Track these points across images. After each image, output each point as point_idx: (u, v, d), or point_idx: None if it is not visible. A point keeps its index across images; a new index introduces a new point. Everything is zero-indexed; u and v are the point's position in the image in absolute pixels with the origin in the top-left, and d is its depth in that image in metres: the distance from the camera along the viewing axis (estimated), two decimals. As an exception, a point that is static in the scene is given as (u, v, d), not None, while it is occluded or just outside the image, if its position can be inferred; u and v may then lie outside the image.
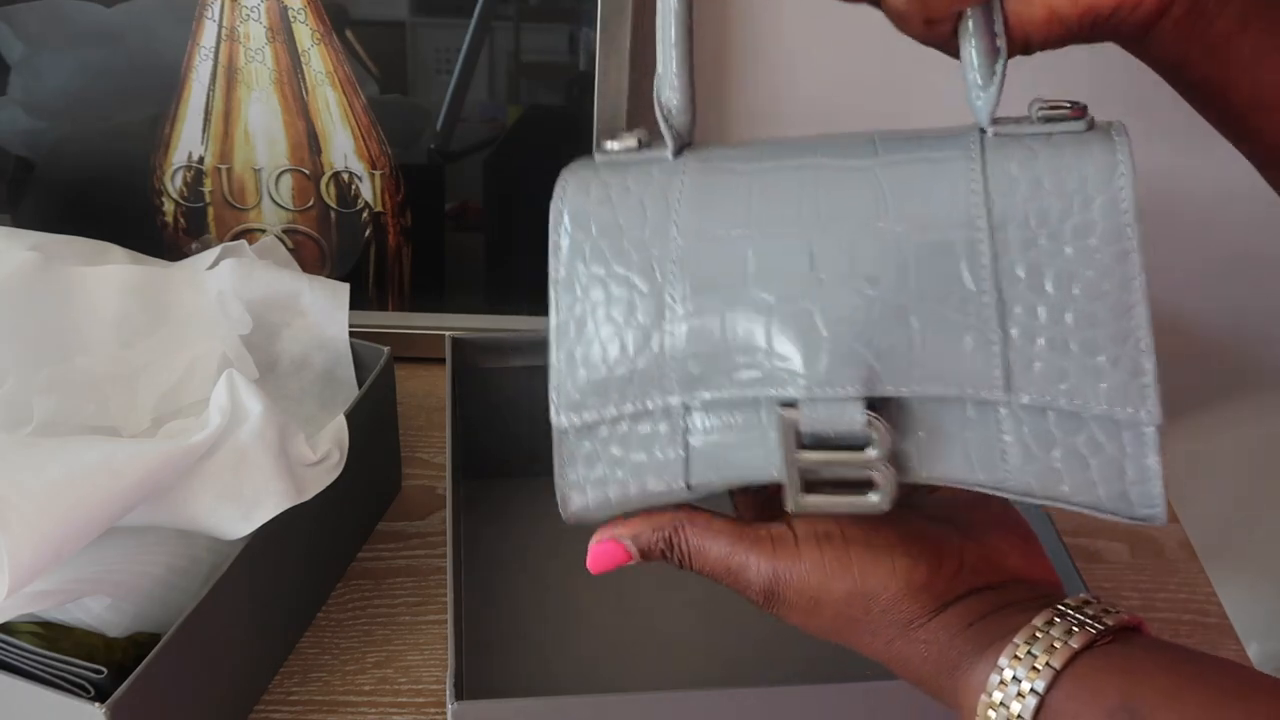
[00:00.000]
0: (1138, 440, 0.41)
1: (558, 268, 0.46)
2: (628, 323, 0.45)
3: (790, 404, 0.42)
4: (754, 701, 0.56)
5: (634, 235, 0.45)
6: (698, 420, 0.45)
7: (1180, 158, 0.86)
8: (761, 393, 0.43)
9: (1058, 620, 0.41)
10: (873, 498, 0.42)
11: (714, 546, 0.45)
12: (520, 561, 0.69)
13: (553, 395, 0.46)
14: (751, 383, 0.43)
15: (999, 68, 0.44)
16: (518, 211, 0.82)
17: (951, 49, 0.46)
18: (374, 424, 0.68)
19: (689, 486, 0.44)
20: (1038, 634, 0.40)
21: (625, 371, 0.45)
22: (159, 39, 0.75)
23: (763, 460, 0.43)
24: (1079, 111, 0.44)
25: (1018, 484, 0.42)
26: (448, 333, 0.72)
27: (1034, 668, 0.40)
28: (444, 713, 0.61)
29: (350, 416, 0.63)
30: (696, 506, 0.46)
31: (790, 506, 0.43)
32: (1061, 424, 0.41)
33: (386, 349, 0.68)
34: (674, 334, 0.44)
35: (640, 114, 0.88)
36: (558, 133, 0.79)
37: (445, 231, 0.82)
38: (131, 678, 0.50)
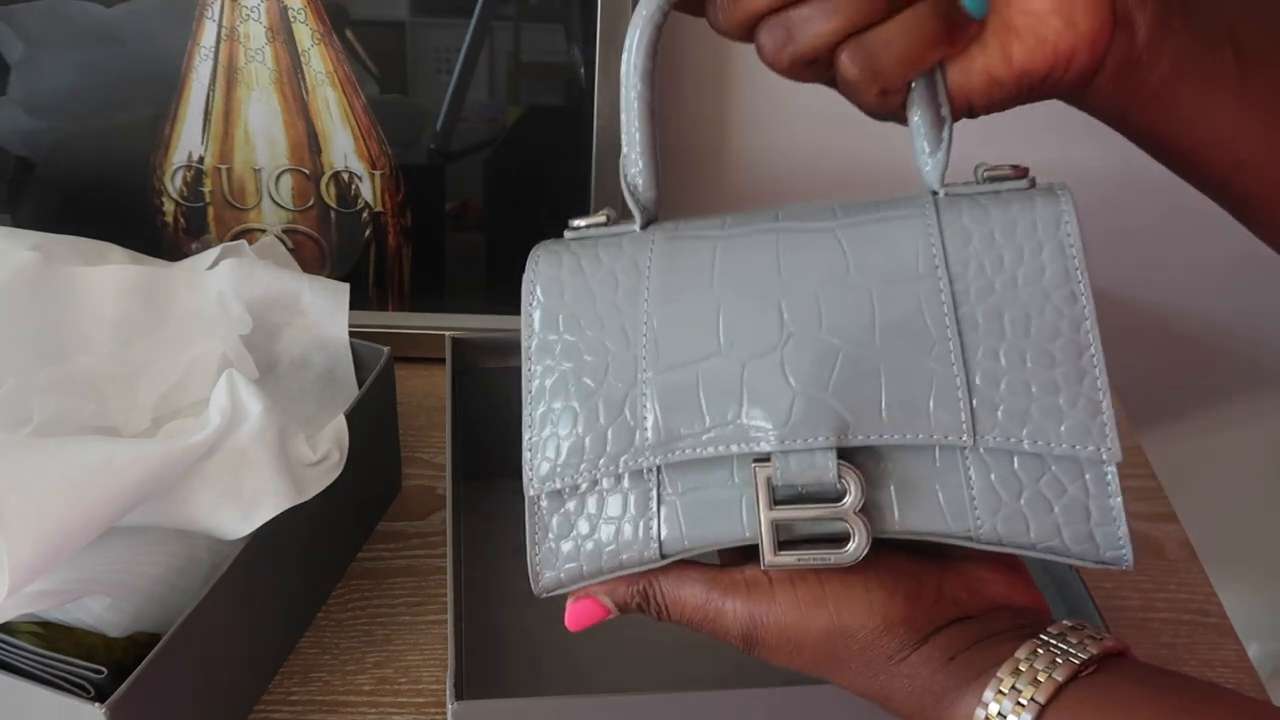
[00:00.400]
0: (1099, 481, 0.43)
1: (530, 337, 0.47)
2: (601, 387, 0.46)
3: (763, 459, 0.44)
4: (754, 702, 0.56)
5: (606, 301, 0.47)
6: (669, 485, 0.45)
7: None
8: (734, 449, 0.44)
9: (1040, 651, 0.40)
10: (848, 549, 0.43)
11: (689, 595, 0.45)
12: (520, 561, 0.69)
13: (526, 463, 0.47)
14: (724, 439, 0.44)
15: (945, 134, 0.46)
16: (518, 211, 0.82)
17: (902, 119, 0.47)
18: (374, 424, 0.68)
19: (662, 555, 0.45)
20: (1021, 667, 0.40)
21: (599, 434, 0.46)
22: (159, 39, 0.75)
23: (735, 522, 0.44)
24: (1021, 172, 0.47)
25: (987, 532, 0.43)
26: (448, 333, 0.72)
27: (1019, 702, 0.39)
28: (444, 713, 0.61)
29: (350, 416, 0.63)
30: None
31: (763, 564, 0.43)
32: (1025, 467, 0.43)
33: (386, 349, 0.68)
34: (646, 395, 0.45)
35: None
36: (558, 133, 0.79)
37: (445, 231, 0.82)
38: (131, 678, 0.50)
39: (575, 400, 0.46)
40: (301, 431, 0.59)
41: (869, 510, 0.43)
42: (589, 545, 0.46)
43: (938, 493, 0.43)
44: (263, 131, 0.78)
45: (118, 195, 0.80)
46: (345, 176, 0.80)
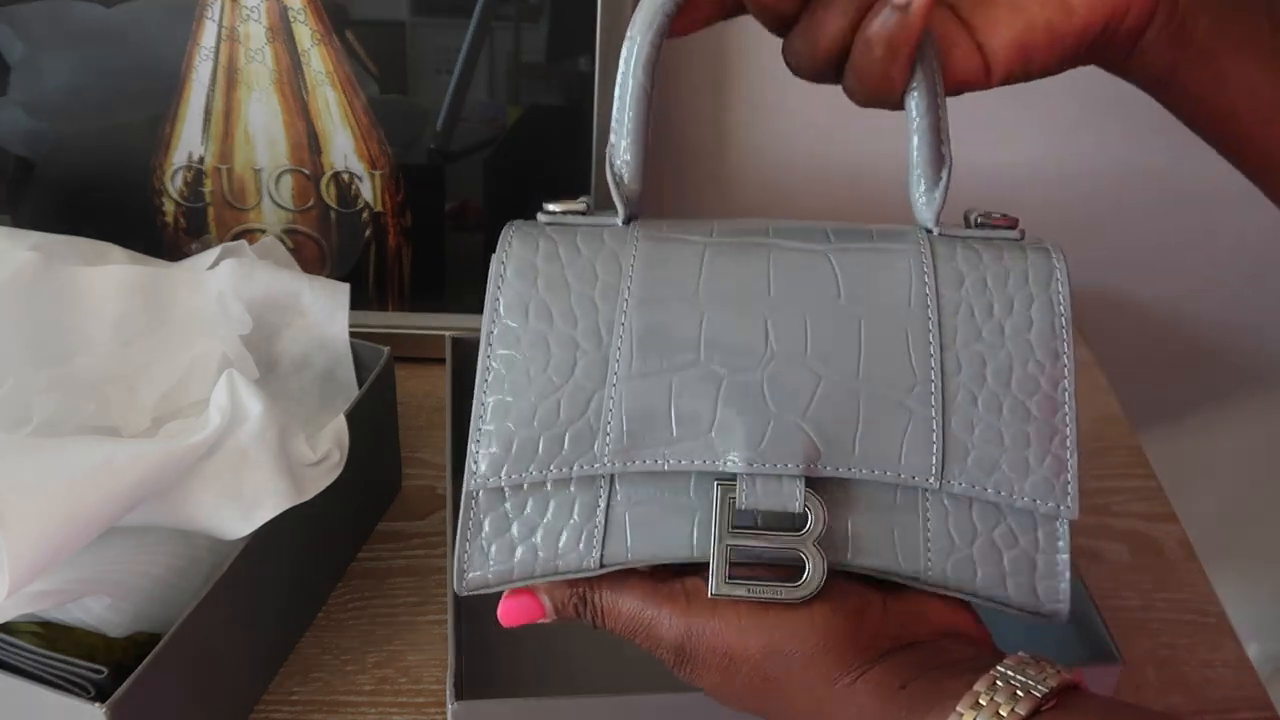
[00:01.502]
0: (1051, 536, 0.44)
1: (494, 321, 0.45)
2: (567, 384, 0.44)
3: (727, 480, 0.42)
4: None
5: (583, 295, 0.45)
6: (621, 494, 0.44)
7: (1180, 158, 0.86)
8: (699, 465, 0.43)
9: (1000, 684, 0.39)
10: (802, 583, 0.42)
11: (626, 603, 0.43)
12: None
13: (473, 450, 0.44)
14: (690, 453, 0.43)
15: (944, 174, 0.46)
16: (518, 211, 0.82)
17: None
18: (374, 424, 0.68)
19: (600, 564, 0.43)
20: (981, 700, 0.39)
21: (556, 433, 0.43)
22: (159, 39, 0.75)
23: (683, 540, 0.43)
24: (1011, 222, 0.47)
25: (935, 575, 0.43)
26: (448, 333, 0.72)
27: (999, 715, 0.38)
28: (444, 713, 0.61)
29: (350, 416, 0.63)
30: None
31: (712, 590, 0.42)
32: (982, 515, 0.43)
33: (386, 349, 0.68)
34: (615, 398, 0.43)
35: None
36: (558, 133, 0.79)
37: (445, 231, 0.82)
38: (131, 678, 0.50)
39: (535, 395, 0.44)
40: (301, 431, 0.59)
41: (826, 544, 0.42)
42: (522, 549, 0.44)
43: (894, 531, 0.43)
44: (263, 132, 0.78)
45: (118, 195, 0.80)
46: (345, 176, 0.80)
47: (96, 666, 0.51)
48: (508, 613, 0.45)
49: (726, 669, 0.42)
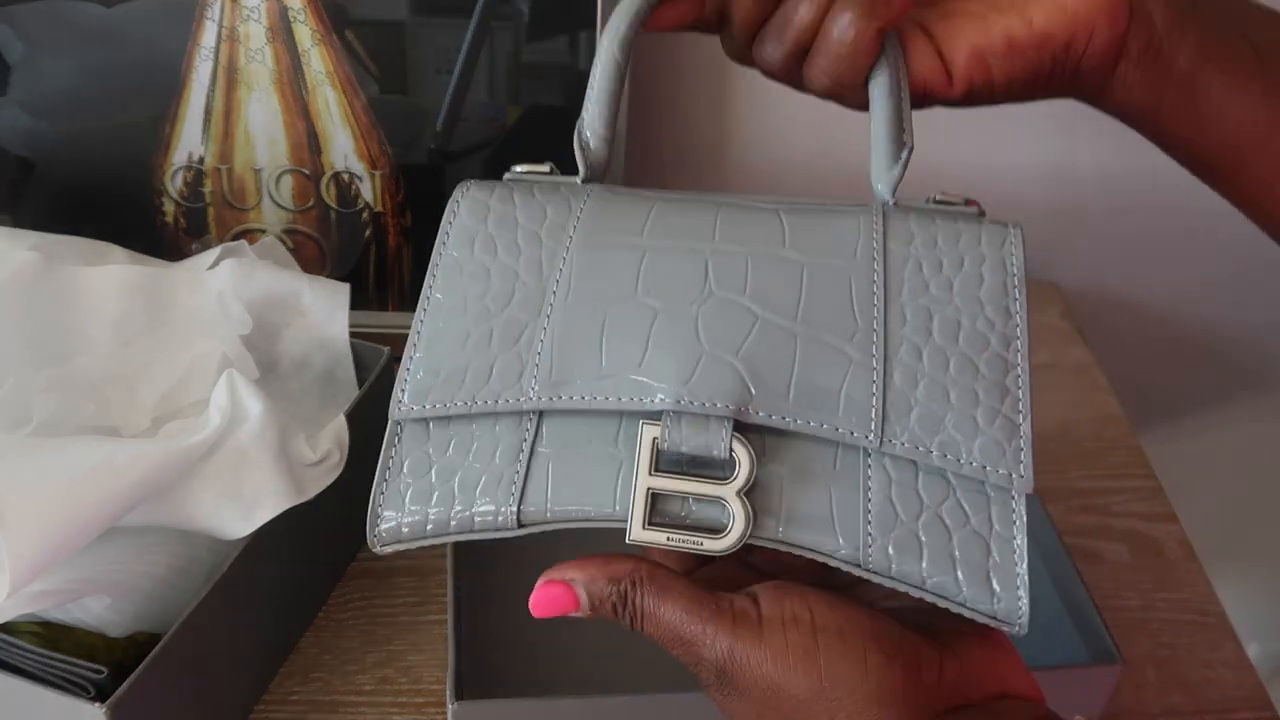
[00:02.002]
0: (1005, 515, 0.40)
1: (440, 253, 0.45)
2: (502, 313, 0.43)
3: (654, 421, 0.40)
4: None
5: (529, 230, 0.45)
6: (545, 438, 0.42)
7: (1180, 158, 0.86)
8: (626, 402, 0.41)
9: None
10: (724, 536, 0.39)
11: (668, 611, 0.40)
12: (520, 561, 0.69)
13: (401, 379, 0.43)
14: (617, 390, 0.41)
15: (904, 155, 0.47)
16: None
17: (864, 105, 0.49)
18: (374, 424, 0.68)
19: (519, 516, 0.41)
20: None
21: (485, 363, 0.42)
22: (159, 39, 0.75)
23: (607, 493, 0.40)
24: (973, 203, 0.46)
25: (878, 555, 0.39)
26: (448, 333, 0.72)
27: None
28: (444, 713, 0.61)
29: (350, 416, 0.63)
30: (656, 561, 0.41)
31: (629, 535, 0.40)
32: (928, 487, 0.40)
33: (386, 349, 0.68)
34: (548, 331, 0.42)
35: (638, 112, 0.88)
36: (558, 133, 0.79)
37: (445, 231, 0.82)
38: (131, 678, 0.50)
39: (470, 323, 0.43)
40: (301, 431, 0.59)
41: (754, 508, 0.40)
42: (439, 496, 0.42)
43: (831, 498, 0.40)
44: (263, 132, 0.78)
45: (118, 195, 0.80)
46: (345, 177, 0.80)
47: (96, 666, 0.51)
48: (539, 603, 0.42)
49: (765, 702, 0.39)
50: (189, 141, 0.78)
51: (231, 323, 0.63)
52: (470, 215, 0.46)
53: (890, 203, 0.46)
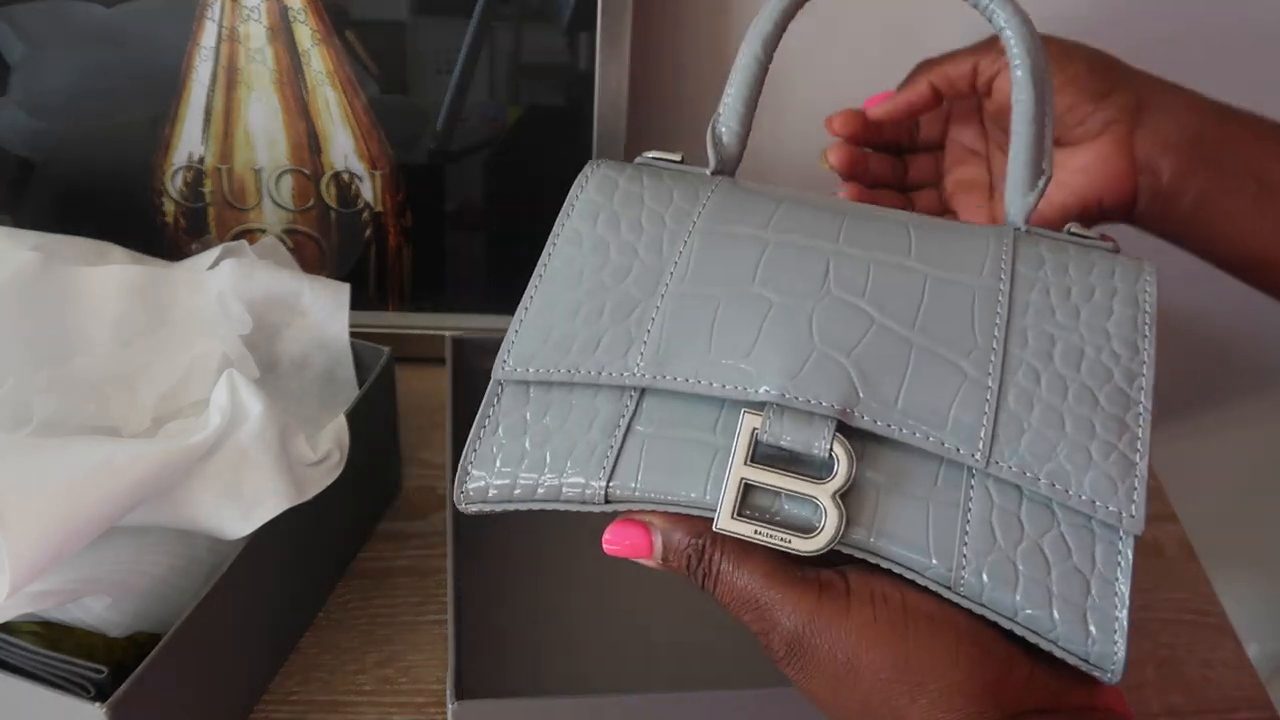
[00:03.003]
0: (1110, 557, 0.38)
1: (563, 224, 0.46)
2: (617, 288, 0.43)
3: (756, 412, 0.39)
4: (753, 702, 0.56)
5: (654, 211, 0.45)
6: (644, 416, 0.41)
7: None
8: (729, 390, 0.40)
9: None
10: (815, 537, 0.38)
11: (746, 576, 0.39)
12: (520, 561, 0.69)
13: (508, 340, 0.43)
14: (721, 376, 0.40)
15: (1041, 184, 0.46)
16: (518, 211, 0.82)
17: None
18: (374, 424, 0.68)
19: (607, 492, 0.40)
20: None
21: (593, 334, 0.42)
22: (159, 39, 0.75)
23: (699, 481, 0.40)
24: (1109, 239, 0.46)
25: (970, 579, 0.38)
26: (448, 333, 0.72)
27: None
28: (444, 713, 0.61)
29: (350, 416, 0.63)
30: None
31: (717, 524, 0.39)
32: (1031, 516, 0.39)
33: (386, 349, 0.68)
34: (660, 310, 0.42)
35: (639, 112, 0.88)
36: (558, 133, 0.79)
37: (445, 231, 0.82)
38: (131, 678, 0.50)
39: (583, 294, 0.43)
40: (301, 431, 0.59)
41: (848, 511, 0.38)
42: (529, 462, 0.41)
43: (928, 511, 0.39)
44: (263, 132, 0.78)
45: (118, 195, 0.80)
46: (345, 176, 0.80)
47: (96, 666, 0.51)
48: (614, 539, 0.40)
49: (844, 678, 0.38)
50: (189, 141, 0.78)
51: (231, 323, 0.63)
52: (598, 191, 0.46)
53: (1023, 229, 0.45)
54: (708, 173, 0.48)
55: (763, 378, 0.40)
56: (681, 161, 0.49)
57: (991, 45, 0.60)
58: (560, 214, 0.46)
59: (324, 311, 0.67)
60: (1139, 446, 0.39)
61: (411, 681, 0.64)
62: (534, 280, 0.44)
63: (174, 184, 0.80)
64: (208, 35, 0.75)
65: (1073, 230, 0.46)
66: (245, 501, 0.55)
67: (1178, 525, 0.78)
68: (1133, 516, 0.38)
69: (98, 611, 0.53)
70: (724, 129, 0.48)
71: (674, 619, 0.66)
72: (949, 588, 0.38)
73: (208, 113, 0.77)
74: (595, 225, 0.45)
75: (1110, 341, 0.41)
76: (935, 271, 0.42)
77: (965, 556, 0.38)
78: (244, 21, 0.74)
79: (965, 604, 0.38)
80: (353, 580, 0.69)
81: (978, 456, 0.39)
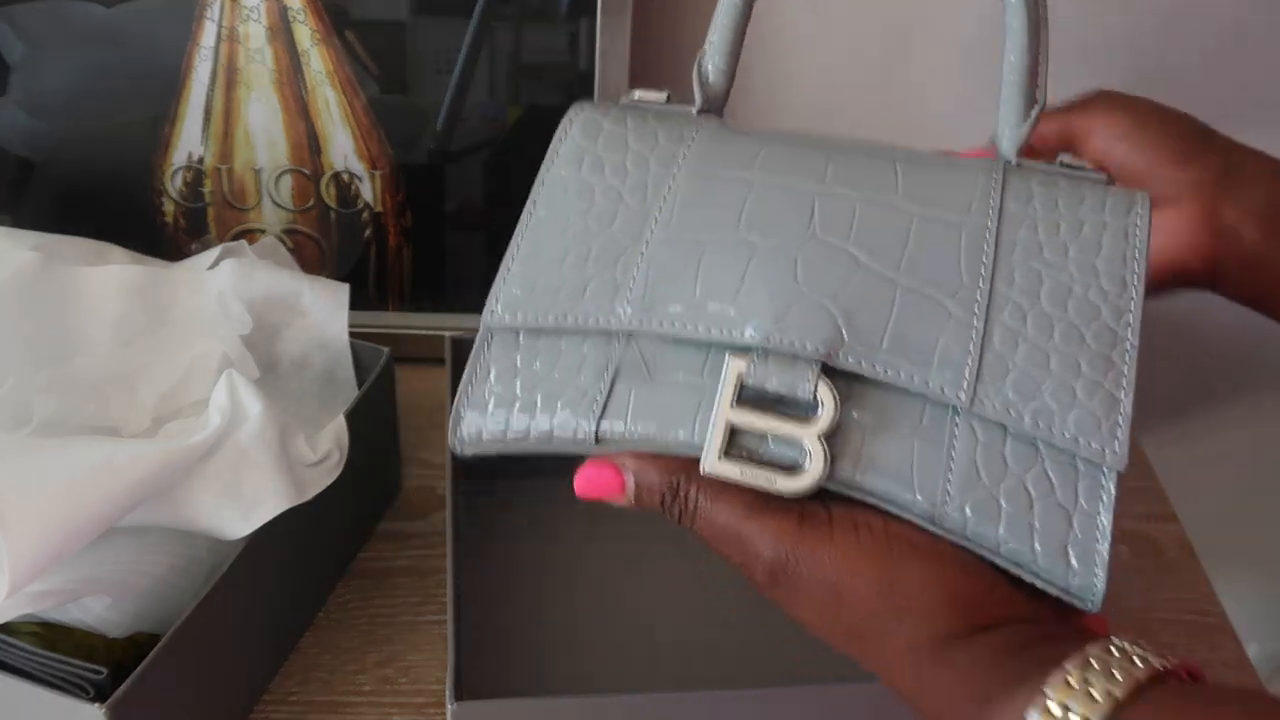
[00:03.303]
0: (1093, 492, 0.39)
1: (548, 169, 0.45)
2: (602, 234, 0.43)
3: (741, 355, 0.40)
4: (753, 702, 0.56)
5: (639, 154, 0.45)
6: (632, 356, 0.42)
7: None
8: (715, 334, 0.40)
9: (1115, 653, 0.35)
10: (801, 477, 0.38)
11: (725, 510, 0.39)
12: (520, 561, 0.69)
13: (497, 287, 0.43)
14: (707, 320, 0.41)
15: (1034, 114, 0.45)
16: (518, 211, 0.82)
17: None
18: (374, 424, 0.68)
19: (597, 433, 0.41)
20: (1093, 661, 0.35)
21: (580, 281, 0.42)
22: (159, 39, 0.75)
23: (686, 422, 0.40)
24: (1103, 169, 0.45)
25: (954, 514, 0.38)
26: (448, 333, 0.72)
27: (1092, 697, 0.33)
28: (444, 713, 0.61)
29: (350, 416, 0.63)
30: None
31: (705, 467, 0.39)
32: (1016, 454, 0.39)
33: (386, 349, 0.68)
34: (647, 256, 0.42)
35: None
36: (558, 133, 0.79)
37: (445, 231, 0.82)
38: (131, 678, 0.50)
39: (570, 240, 0.43)
40: (301, 431, 0.59)
41: (832, 453, 0.39)
42: (522, 402, 0.42)
43: (913, 449, 0.39)
44: (263, 132, 0.78)
45: (118, 195, 0.80)
46: (345, 177, 0.80)
47: (96, 667, 0.51)
48: (585, 482, 0.41)
49: (830, 604, 0.39)
50: (189, 141, 0.78)
51: (231, 323, 0.63)
52: (583, 134, 0.46)
53: (1014, 161, 0.45)
54: (694, 112, 0.48)
55: (748, 322, 0.40)
56: (668, 100, 0.48)
57: (1081, 107, 0.58)
58: (545, 159, 0.46)
59: (324, 311, 0.67)
60: (1124, 384, 0.39)
61: (411, 682, 0.64)
62: (520, 227, 0.45)
63: (174, 184, 0.80)
64: (207, 35, 0.75)
65: (1065, 162, 0.45)
66: (245, 501, 0.55)
67: (1178, 525, 0.78)
68: (1116, 453, 0.38)
69: (98, 612, 0.53)
70: (710, 66, 0.48)
71: (676, 618, 0.66)
72: (933, 521, 0.39)
73: (207, 113, 0.77)
74: (580, 170, 0.45)
75: (1099, 278, 0.41)
76: (922, 210, 0.42)
77: (949, 493, 0.39)
78: (244, 21, 0.74)
79: (949, 537, 0.39)
80: (353, 580, 0.69)
81: (962, 396, 0.39)
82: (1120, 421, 0.39)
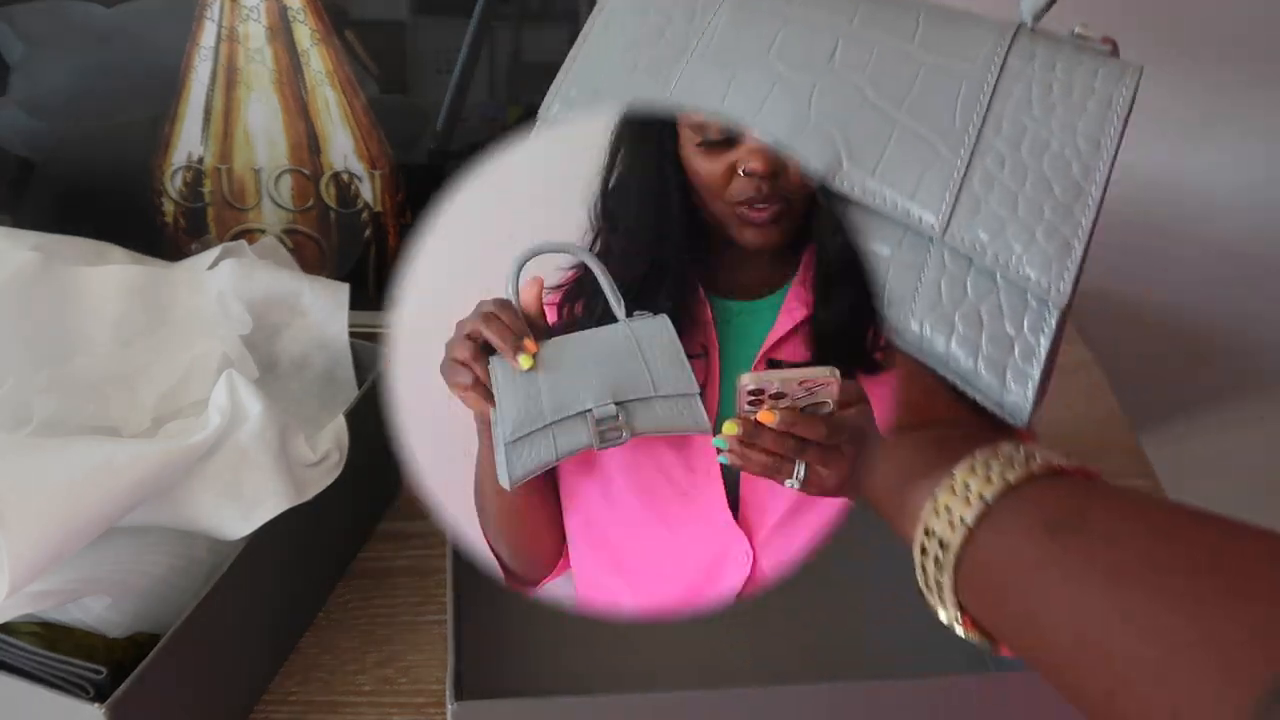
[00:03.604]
0: (1037, 320, 0.44)
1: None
2: (650, 49, 0.49)
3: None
4: (753, 701, 0.56)
5: None
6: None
7: (1183, 158, 0.86)
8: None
9: (1019, 451, 0.39)
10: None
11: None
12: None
13: (555, 89, 0.51)
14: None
15: None
16: (518, 211, 0.82)
17: None
18: (374, 424, 0.68)
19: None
20: (999, 453, 0.39)
21: (630, 85, 0.49)
22: (159, 39, 0.75)
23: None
24: (1109, 42, 0.48)
25: (914, 329, 0.44)
26: (448, 333, 0.72)
27: (989, 479, 0.38)
28: (444, 713, 0.61)
29: (350, 416, 0.63)
30: None
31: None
32: (976, 284, 0.44)
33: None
34: (685, 73, 0.49)
35: None
36: (558, 133, 0.79)
37: (445, 231, 0.82)
38: (131, 678, 0.50)
39: (622, 47, 0.50)
40: (301, 431, 0.59)
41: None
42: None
43: (889, 270, 0.45)
44: (262, 132, 0.78)
45: (118, 195, 0.80)
46: (345, 177, 0.80)
47: (96, 667, 0.51)
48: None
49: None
50: (189, 141, 0.78)
51: (231, 323, 0.63)
52: None
53: (1028, 24, 0.48)
54: None
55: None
56: None
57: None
58: None
59: (324, 312, 0.67)
60: (1080, 234, 0.43)
61: (411, 681, 0.64)
62: (576, 46, 0.51)
63: (174, 184, 0.80)
64: (207, 35, 0.75)
65: (1077, 32, 0.48)
66: (245, 501, 0.55)
67: (1178, 525, 0.78)
68: (1060, 291, 0.43)
69: (97, 611, 0.53)
70: None
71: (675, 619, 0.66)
72: (895, 332, 0.45)
73: (207, 112, 0.77)
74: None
75: (1075, 137, 0.45)
76: (932, 58, 0.46)
77: (913, 310, 0.44)
78: (243, 21, 0.74)
79: (906, 348, 0.44)
80: (353, 580, 0.69)
81: (936, 228, 0.44)
82: (1069, 265, 0.43)
